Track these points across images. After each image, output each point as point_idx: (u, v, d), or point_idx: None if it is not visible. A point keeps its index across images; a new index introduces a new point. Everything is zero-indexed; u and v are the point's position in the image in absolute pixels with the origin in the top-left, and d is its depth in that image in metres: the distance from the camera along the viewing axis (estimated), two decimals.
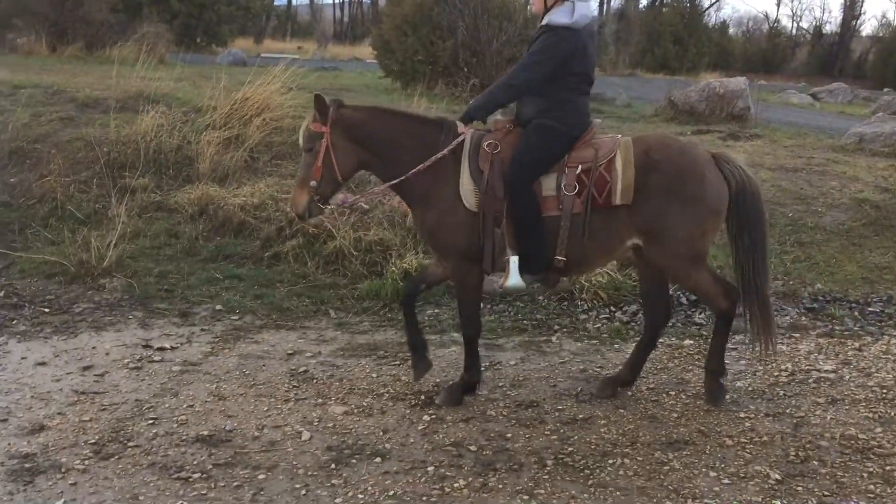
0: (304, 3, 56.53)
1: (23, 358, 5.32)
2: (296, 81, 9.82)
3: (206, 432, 4.32)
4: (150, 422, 4.44)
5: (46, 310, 6.23)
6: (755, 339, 4.71)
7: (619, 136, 4.56)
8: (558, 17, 4.42)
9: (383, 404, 4.75)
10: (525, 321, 6.27)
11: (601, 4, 50.99)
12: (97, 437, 4.23)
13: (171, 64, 14.23)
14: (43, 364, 5.24)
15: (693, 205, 4.33)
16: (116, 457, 4.06)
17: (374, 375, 5.16)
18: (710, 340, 4.98)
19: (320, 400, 4.78)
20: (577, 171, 4.36)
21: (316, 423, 4.48)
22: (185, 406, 4.66)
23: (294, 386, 4.97)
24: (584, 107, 4.60)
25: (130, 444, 4.19)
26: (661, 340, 5.81)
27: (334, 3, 56.76)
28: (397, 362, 5.39)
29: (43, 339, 5.67)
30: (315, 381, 5.07)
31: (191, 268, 7.00)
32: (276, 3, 48.63)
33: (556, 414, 4.67)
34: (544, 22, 4.48)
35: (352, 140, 4.53)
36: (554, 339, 5.92)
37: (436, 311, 6.46)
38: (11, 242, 7.37)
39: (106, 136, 8.73)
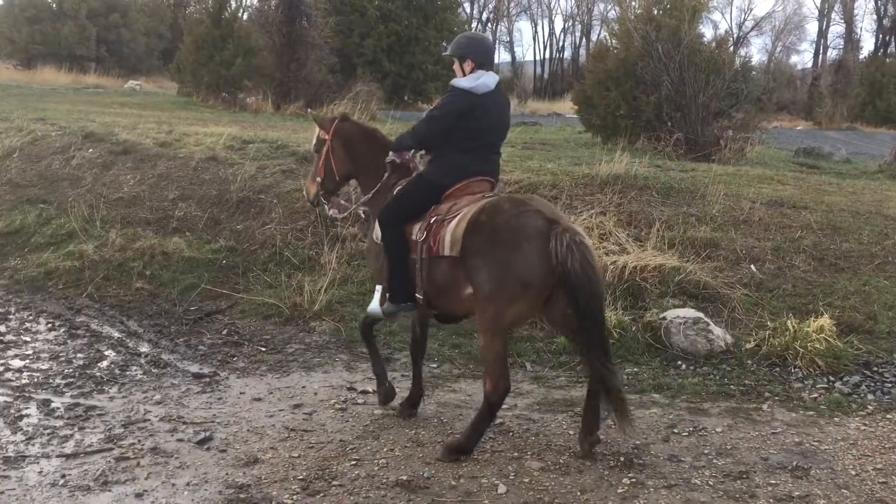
0: (506, 61, 58.06)
1: (241, 393, 5.70)
2: None
3: (405, 477, 4.40)
4: (353, 463, 4.59)
5: (263, 349, 6.66)
6: (605, 409, 4.64)
7: (491, 195, 4.83)
8: (461, 81, 4.97)
9: (580, 463, 4.62)
10: (732, 386, 5.92)
11: (815, 55, 48.53)
12: (305, 474, 4.43)
13: (382, 120, 15.01)
14: (258, 400, 5.59)
15: (500, 270, 4.38)
16: (322, 494, 4.22)
17: (571, 432, 5.05)
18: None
19: (516, 454, 4.74)
20: (431, 221, 4.76)
21: (512, 477, 4.43)
22: (385, 449, 4.78)
23: (490, 437, 4.96)
24: (462, 162, 4.93)
25: (335, 483, 4.34)
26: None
27: (535, 60, 57.83)
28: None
29: (259, 377, 6.05)
30: (511, 434, 5.04)
31: None
32: None
33: (769, 489, 4.34)
34: (451, 83, 5.05)
35: (345, 150, 5.38)
36: (765, 407, 5.54)
37: (635, 370, 6.26)
38: (235, 284, 7.98)
39: None
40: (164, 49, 42.94)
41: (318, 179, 5.51)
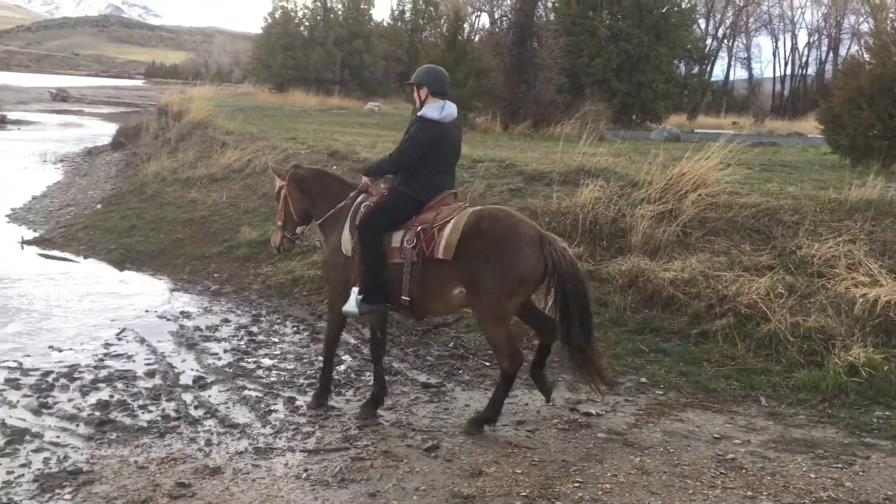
0: (742, 78, 55.42)
1: (466, 405, 5.85)
2: (734, 157, 9.57)
3: None
4: (576, 484, 4.55)
5: (487, 363, 6.79)
6: (583, 381, 5.45)
7: (465, 205, 5.58)
8: (430, 111, 5.60)
9: None
10: None
11: None
12: (528, 491, 4.45)
13: (610, 140, 14.86)
14: None
15: (504, 269, 5.13)
16: None
17: (812, 475, 4.70)
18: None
19: (750, 493, 4.48)
20: (417, 230, 5.36)
21: None
22: (609, 474, 4.70)
23: (721, 473, 4.74)
24: (436, 180, 5.62)
25: (558, 503, 4.32)
26: None
27: (774, 77, 54.72)
28: (840, 465, 4.85)
29: (483, 390, 6.17)
30: (744, 471, 4.78)
31: (617, 337, 7.12)
32: (712, 80, 48.40)
33: None
34: (419, 114, 5.65)
35: (300, 191, 6.08)
36: None
37: (886, 413, 5.71)
38: None
39: (548, 206, 9.33)
40: (401, 72, 45.19)
41: (280, 223, 6.19)
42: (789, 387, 6.15)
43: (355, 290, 5.53)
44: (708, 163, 9.29)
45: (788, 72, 54.31)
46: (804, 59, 54.16)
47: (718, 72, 53.27)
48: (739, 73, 56.79)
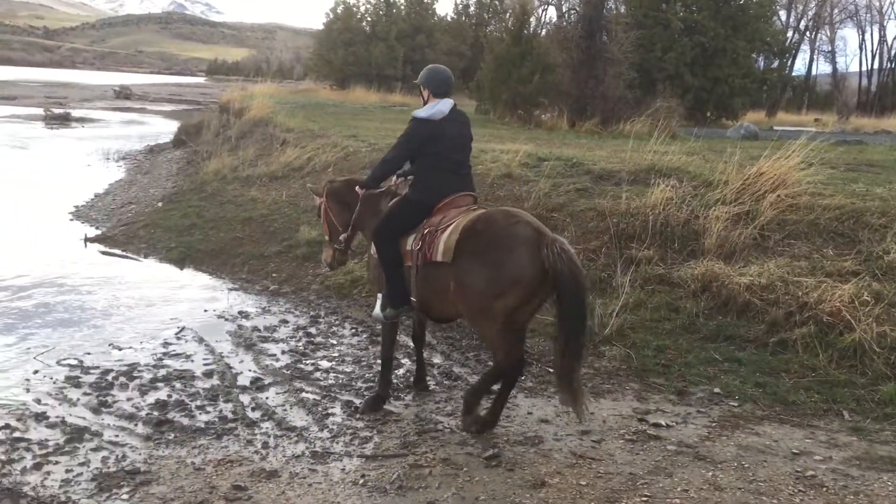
0: (825, 73, 53.55)
1: (528, 413, 5.65)
2: (816, 156, 9.13)
3: None
4: (644, 499, 4.33)
5: (551, 369, 6.55)
6: (563, 399, 5.04)
7: (476, 208, 5.55)
8: (420, 111, 5.69)
9: None
10: None
11: None
12: None
13: (684, 138, 14.39)
14: (546, 422, 5.51)
15: (493, 269, 4.96)
16: None
17: None
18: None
19: None
20: (424, 232, 5.36)
21: None
22: (679, 489, 4.46)
23: (800, 490, 4.46)
24: (441, 180, 5.61)
25: None
26: None
27: (860, 71, 52.71)
28: None
29: (546, 398, 5.97)
30: (825, 489, 4.49)
31: (689, 345, 6.81)
32: (793, 74, 46.87)
33: None
34: (412, 114, 5.74)
35: (338, 202, 6.26)
36: None
37: None
38: None
39: (616, 207, 9.04)
40: (464, 68, 45.03)
41: (327, 238, 6.45)
42: (875, 401, 5.77)
43: (379, 294, 5.66)
44: (788, 162, 8.89)
45: (876, 66, 52.19)
46: (893, 52, 51.98)
47: (800, 66, 51.69)
48: (822, 68, 55.29)
